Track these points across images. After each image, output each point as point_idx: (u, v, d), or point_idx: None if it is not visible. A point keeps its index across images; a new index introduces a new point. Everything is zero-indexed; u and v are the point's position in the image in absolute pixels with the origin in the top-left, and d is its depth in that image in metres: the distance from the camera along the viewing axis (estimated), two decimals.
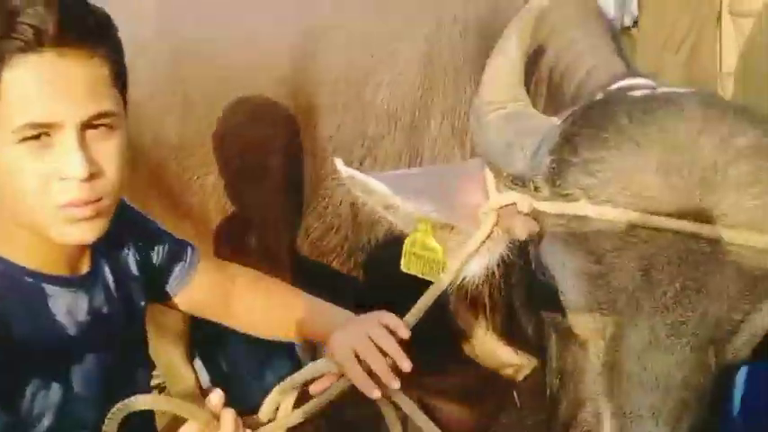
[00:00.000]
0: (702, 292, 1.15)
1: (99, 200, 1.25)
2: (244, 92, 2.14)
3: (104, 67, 1.23)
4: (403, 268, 1.49)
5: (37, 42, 1.16)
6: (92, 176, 1.23)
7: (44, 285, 1.33)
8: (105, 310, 1.42)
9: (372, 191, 1.40)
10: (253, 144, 2.22)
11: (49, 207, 1.23)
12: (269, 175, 2.22)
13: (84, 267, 1.41)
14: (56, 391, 1.31)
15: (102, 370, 1.39)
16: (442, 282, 1.40)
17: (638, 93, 1.29)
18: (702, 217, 1.14)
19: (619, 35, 1.83)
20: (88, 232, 1.26)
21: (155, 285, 1.60)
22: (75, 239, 1.27)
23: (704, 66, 6.09)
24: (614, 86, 1.42)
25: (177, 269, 1.63)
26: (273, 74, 2.11)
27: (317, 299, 1.65)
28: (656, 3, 5.95)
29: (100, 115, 1.23)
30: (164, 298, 1.64)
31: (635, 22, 7.54)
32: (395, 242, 2.01)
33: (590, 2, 1.87)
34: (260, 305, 1.68)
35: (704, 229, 1.14)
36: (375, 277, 2.11)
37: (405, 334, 1.41)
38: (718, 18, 6.29)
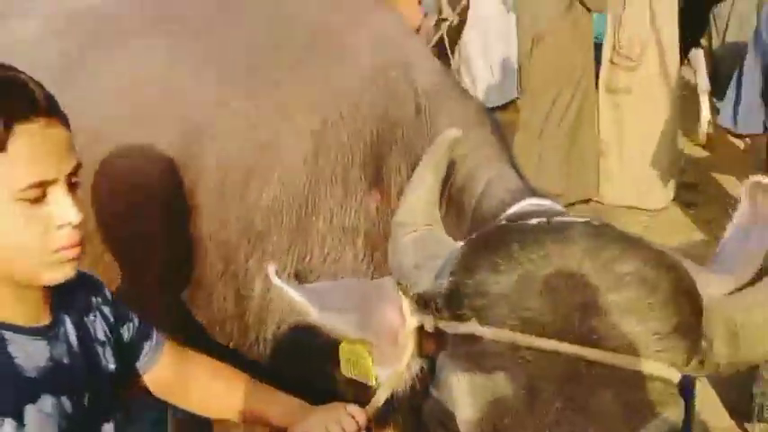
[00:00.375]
0: (584, 413, 1.17)
1: (81, 242, 1.46)
2: (123, 187, 2.04)
3: (67, 131, 1.44)
4: (342, 371, 1.56)
5: (35, 112, 1.38)
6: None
7: (3, 332, 1.44)
8: (66, 360, 1.52)
9: (296, 304, 1.48)
10: (129, 238, 2.12)
11: (47, 253, 1.41)
12: (146, 271, 2.12)
13: (45, 320, 1.51)
14: (8, 426, 1.38)
15: (61, 414, 1.47)
16: (378, 401, 1.53)
17: (534, 220, 1.33)
18: (583, 339, 1.18)
19: (504, 137, 1.86)
20: (70, 271, 1.46)
21: (126, 362, 1.69)
22: (61, 278, 1.45)
23: (585, 134, 6.36)
24: (514, 208, 1.47)
25: (147, 347, 1.74)
26: (155, 170, 2.02)
27: (270, 387, 1.78)
28: (538, 77, 6.19)
29: (76, 167, 1.44)
30: (134, 376, 1.74)
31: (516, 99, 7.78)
32: (285, 340, 1.96)
33: (476, 104, 1.91)
34: (218, 390, 1.79)
35: (584, 351, 1.17)
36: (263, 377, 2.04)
37: (363, 422, 1.61)
38: (597, 92, 6.60)
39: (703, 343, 1.21)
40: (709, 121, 7.83)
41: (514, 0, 6.37)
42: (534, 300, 1.20)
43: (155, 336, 1.75)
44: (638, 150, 6.55)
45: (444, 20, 5.32)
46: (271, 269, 1.50)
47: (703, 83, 7.96)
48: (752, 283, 1.32)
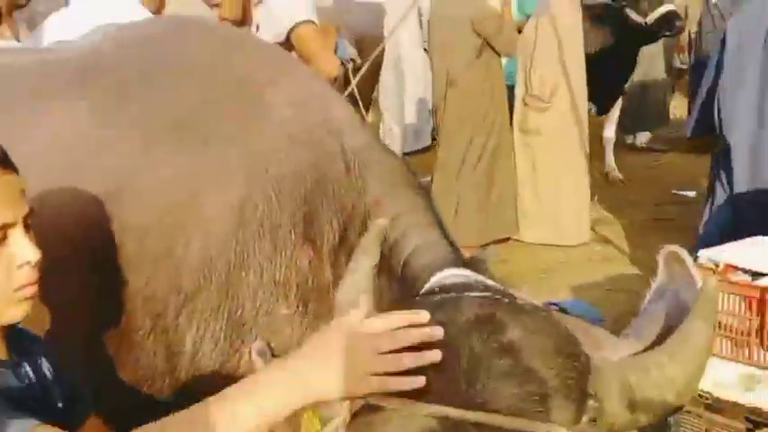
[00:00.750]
0: None
1: (37, 281, 1.57)
2: (47, 243, 2.02)
3: (19, 178, 1.57)
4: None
5: None
6: None
7: None
8: (29, 389, 1.62)
9: None
10: (53, 294, 2.08)
11: (9, 291, 1.52)
12: (71, 329, 2.09)
13: (3, 356, 1.60)
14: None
15: None
16: None
17: (439, 297, 1.45)
18: (467, 403, 1.27)
19: (428, 193, 1.95)
20: (28, 308, 1.57)
21: (71, 402, 1.74)
22: (20, 316, 1.57)
23: (502, 175, 6.51)
24: (435, 278, 1.58)
25: (80, 405, 1.78)
26: (80, 228, 2.00)
27: None
28: (453, 119, 6.34)
29: (30, 210, 1.57)
30: (79, 419, 1.77)
31: (434, 139, 7.90)
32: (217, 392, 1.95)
33: (401, 163, 1.98)
34: None
35: (468, 415, 1.26)
36: None
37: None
38: (511, 134, 6.77)
39: (592, 402, 1.31)
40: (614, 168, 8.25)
41: (429, 44, 6.52)
42: (425, 369, 1.31)
43: (87, 394, 1.80)
44: (551, 189, 6.74)
45: (353, 60, 5.34)
46: (254, 347, 1.59)
47: (610, 132, 8.33)
48: (656, 344, 1.42)
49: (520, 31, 6.71)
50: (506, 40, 6.13)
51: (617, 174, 8.30)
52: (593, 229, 6.96)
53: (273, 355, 1.58)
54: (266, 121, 1.97)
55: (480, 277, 1.56)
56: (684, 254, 1.51)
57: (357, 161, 1.89)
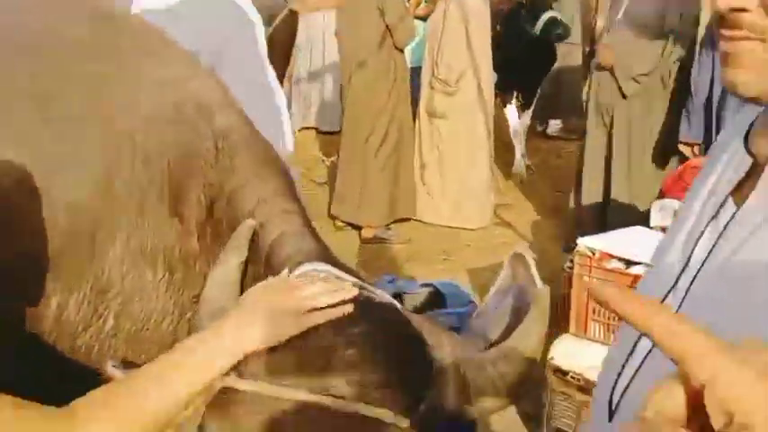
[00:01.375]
0: None
1: None
2: None
3: None
4: None
5: None
6: None
7: None
8: None
9: None
10: None
11: None
12: None
13: None
14: None
15: None
16: None
17: None
18: (316, 389, 1.40)
19: (295, 187, 1.99)
20: None
21: None
22: None
23: (404, 158, 6.61)
24: (297, 272, 1.66)
25: None
26: None
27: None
28: (357, 103, 6.40)
29: None
30: None
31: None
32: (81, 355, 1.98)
33: (269, 149, 2.01)
34: None
35: (313, 398, 1.39)
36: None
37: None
38: (416, 117, 6.86)
39: (432, 392, 1.44)
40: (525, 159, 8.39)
41: (336, 27, 6.56)
42: (280, 356, 1.43)
43: None
44: (456, 172, 6.88)
45: None
46: (110, 364, 1.61)
47: (526, 119, 8.49)
48: (502, 339, 1.56)
49: (426, 18, 6.84)
50: (404, 32, 6.23)
51: (526, 160, 8.48)
52: (496, 213, 7.13)
53: (128, 366, 1.61)
54: (136, 95, 1.98)
55: (341, 273, 1.66)
56: (528, 257, 1.66)
57: (226, 142, 1.92)
